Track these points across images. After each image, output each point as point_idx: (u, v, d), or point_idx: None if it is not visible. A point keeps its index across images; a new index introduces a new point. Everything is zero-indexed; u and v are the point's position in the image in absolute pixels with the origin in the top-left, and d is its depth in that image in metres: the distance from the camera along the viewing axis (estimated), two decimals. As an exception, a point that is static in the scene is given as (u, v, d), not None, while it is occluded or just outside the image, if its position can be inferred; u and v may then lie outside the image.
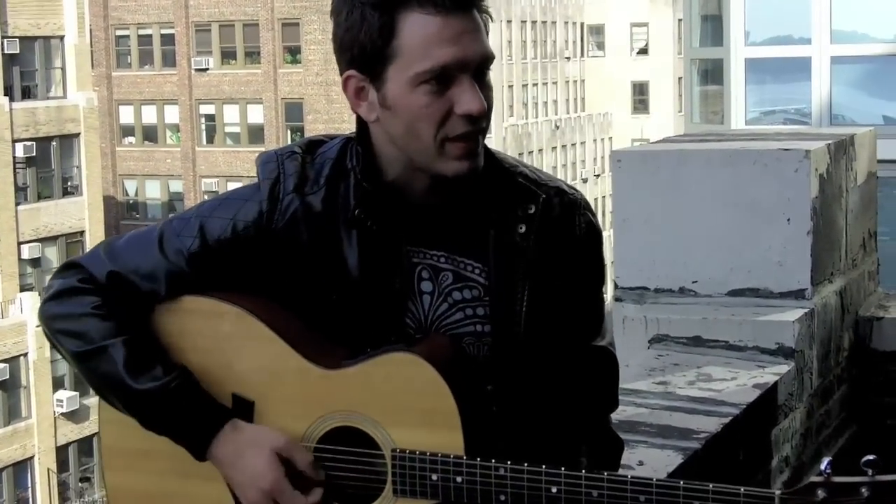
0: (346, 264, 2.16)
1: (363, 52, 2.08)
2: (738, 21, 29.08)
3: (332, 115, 46.60)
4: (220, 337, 2.18)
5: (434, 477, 2.04)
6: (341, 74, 2.14)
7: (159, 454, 2.20)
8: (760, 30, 29.46)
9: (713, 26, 30.80)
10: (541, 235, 2.19)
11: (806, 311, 4.21)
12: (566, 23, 64.71)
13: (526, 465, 2.02)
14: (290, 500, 2.09)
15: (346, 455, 2.11)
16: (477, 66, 2.06)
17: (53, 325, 2.21)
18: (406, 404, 2.07)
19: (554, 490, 2.01)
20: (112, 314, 2.18)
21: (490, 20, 2.12)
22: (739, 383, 3.85)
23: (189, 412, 2.14)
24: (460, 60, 2.04)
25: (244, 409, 2.17)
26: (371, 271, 2.15)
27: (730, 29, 29.14)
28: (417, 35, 2.03)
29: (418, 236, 2.17)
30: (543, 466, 2.02)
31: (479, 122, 2.07)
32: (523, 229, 2.18)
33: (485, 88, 2.08)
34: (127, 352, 2.15)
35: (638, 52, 66.46)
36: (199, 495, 2.19)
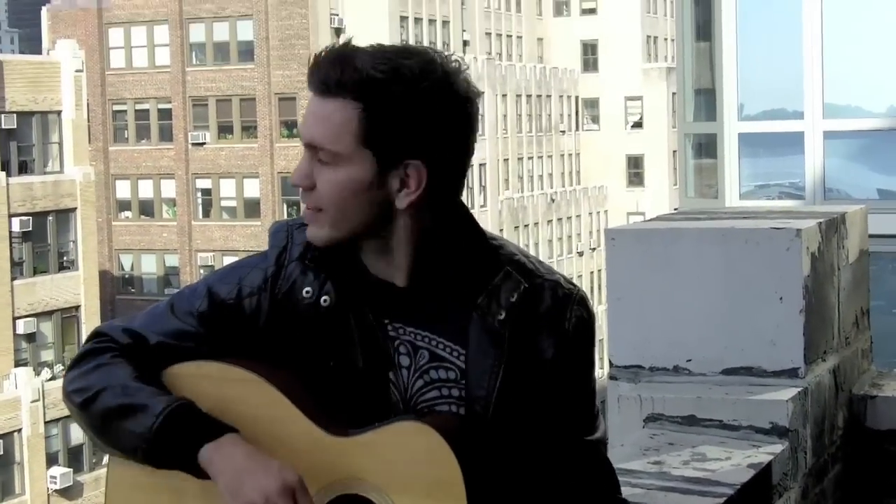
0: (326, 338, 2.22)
1: None
2: (732, 95, 29.27)
3: (329, 189, 46.74)
4: (230, 400, 2.18)
5: None
6: None
7: (165, 488, 2.20)
8: (754, 103, 29.63)
9: (706, 100, 30.99)
10: (523, 325, 2.21)
11: (800, 389, 4.21)
12: (561, 96, 65.14)
13: None
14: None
15: None
16: (307, 146, 2.16)
17: (68, 386, 2.24)
18: (412, 473, 2.08)
19: None
20: (127, 363, 2.21)
21: (380, 115, 2.11)
22: (734, 463, 3.84)
23: (195, 421, 2.14)
24: (301, 134, 2.19)
25: None
26: (352, 344, 2.19)
27: (723, 103, 29.32)
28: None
29: (399, 313, 2.20)
30: None
31: (302, 193, 2.19)
32: (502, 316, 2.20)
33: (321, 171, 2.15)
34: (132, 385, 2.17)
35: (632, 126, 66.86)
36: None
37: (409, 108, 2.10)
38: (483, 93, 2.28)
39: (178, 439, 2.12)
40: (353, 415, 2.17)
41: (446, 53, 2.18)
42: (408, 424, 2.10)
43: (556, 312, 2.24)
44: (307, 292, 2.21)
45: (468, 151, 2.19)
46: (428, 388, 2.21)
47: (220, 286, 2.26)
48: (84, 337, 36.38)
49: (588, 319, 2.29)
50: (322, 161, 2.15)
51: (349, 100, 2.11)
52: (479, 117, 2.22)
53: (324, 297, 2.21)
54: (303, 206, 2.22)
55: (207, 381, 2.21)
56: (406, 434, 2.09)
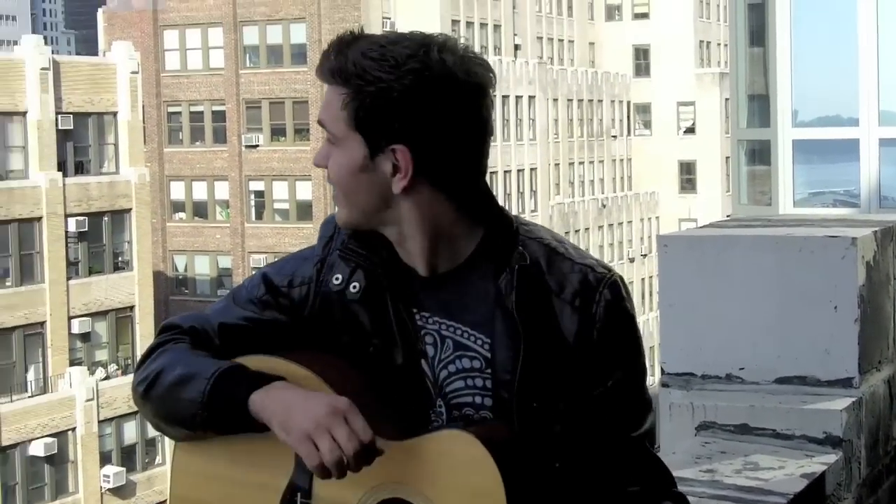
0: (364, 323, 2.26)
1: None
2: (786, 101, 29.10)
3: (380, 192, 46.83)
4: None
5: None
6: None
7: (222, 456, 2.25)
8: (808, 110, 29.46)
9: (760, 106, 30.83)
10: (544, 309, 2.21)
11: (854, 399, 4.19)
12: (613, 101, 64.98)
13: None
14: (354, 420, 2.09)
15: None
16: (321, 126, 2.23)
17: (134, 382, 2.29)
18: (456, 482, 2.09)
19: None
20: (184, 344, 2.29)
21: (358, 90, 2.16)
22: (787, 472, 3.83)
23: (244, 376, 2.19)
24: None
25: (301, 465, 2.20)
26: (381, 331, 2.23)
27: (777, 109, 29.16)
28: None
29: (423, 302, 2.24)
30: None
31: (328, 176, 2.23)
32: (521, 298, 2.20)
33: (331, 149, 2.21)
34: (191, 357, 2.25)
35: (685, 132, 66.57)
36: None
37: (390, 93, 2.14)
38: (493, 87, 2.27)
39: (229, 394, 2.16)
40: (395, 408, 2.21)
41: (456, 40, 2.19)
42: (454, 433, 2.12)
43: (584, 296, 2.21)
44: (337, 279, 2.27)
45: (464, 137, 2.18)
46: (453, 378, 2.22)
47: (275, 275, 2.33)
48: (138, 336, 36.63)
49: (620, 303, 2.23)
50: (330, 142, 2.22)
51: (340, 85, 2.18)
52: (483, 104, 2.19)
53: (353, 284, 2.25)
54: None
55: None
56: (451, 443, 2.11)
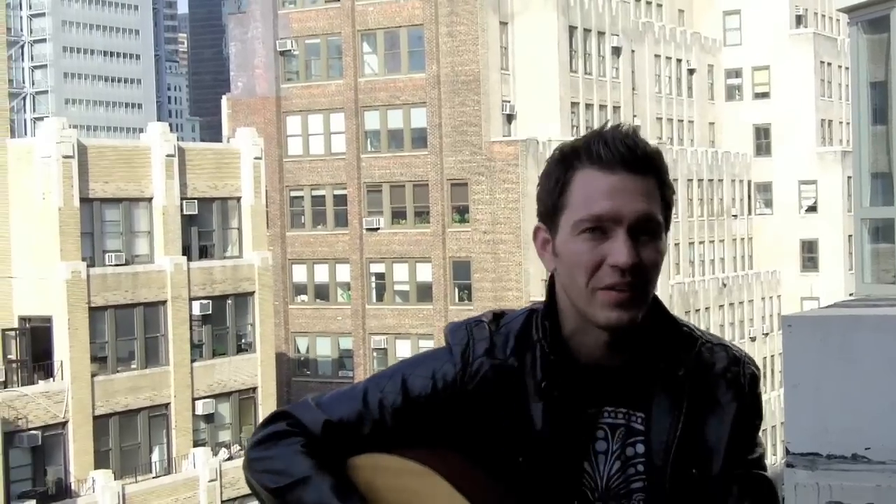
0: (533, 429, 2.27)
1: (545, 205, 2.27)
2: (910, 179, 28.68)
3: (500, 272, 46.98)
4: (410, 492, 2.28)
5: None
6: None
7: None
8: (933, 187, 28.98)
9: (883, 184, 30.42)
10: (701, 381, 2.30)
11: (982, 479, 4.16)
12: (733, 180, 64.53)
13: None
14: None
15: None
16: (635, 223, 2.18)
17: (258, 465, 2.33)
18: None
19: None
20: (317, 454, 2.31)
21: (669, 190, 2.25)
22: (914, 552, 3.81)
23: None
24: (615, 214, 2.18)
25: None
26: (557, 436, 2.26)
27: (901, 187, 28.73)
28: (583, 188, 2.20)
29: (597, 396, 2.27)
30: None
31: (629, 274, 2.17)
32: (682, 372, 2.28)
33: (645, 246, 2.19)
34: (334, 480, 2.27)
35: (807, 210, 65.79)
36: None
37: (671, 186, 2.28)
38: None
39: None
40: None
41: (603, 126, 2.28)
42: None
43: (733, 369, 2.32)
44: (543, 385, 2.27)
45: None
46: (623, 469, 2.27)
47: (414, 380, 2.33)
48: (260, 417, 36.90)
49: (758, 376, 2.37)
50: (641, 236, 2.25)
51: (649, 176, 2.25)
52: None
53: (555, 392, 2.27)
54: None
55: (385, 474, 2.31)
56: None
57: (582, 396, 2.27)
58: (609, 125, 2.25)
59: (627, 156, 2.19)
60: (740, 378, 2.31)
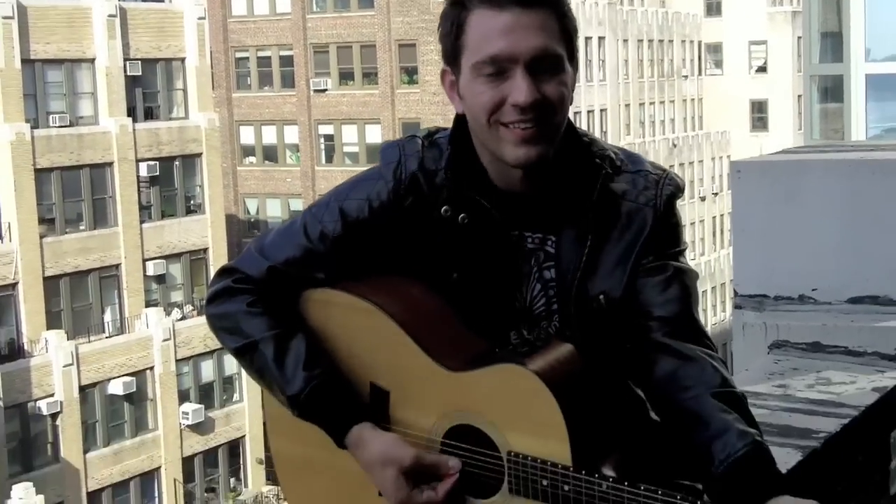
0: (461, 245, 2.31)
1: (446, 48, 2.27)
2: (859, 38, 28.74)
3: (449, 134, 46.79)
4: (359, 329, 2.34)
5: (544, 482, 2.14)
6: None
7: (313, 427, 2.37)
8: (881, 46, 29.07)
9: (833, 43, 30.45)
10: (610, 208, 2.30)
11: (925, 317, 4.25)
12: (683, 41, 64.31)
13: (626, 483, 2.07)
14: None
15: (468, 452, 2.24)
16: (532, 60, 2.17)
17: (215, 323, 2.41)
18: (520, 413, 2.17)
19: None
20: (265, 310, 2.36)
21: (569, 21, 2.23)
22: (859, 387, 3.90)
23: (329, 410, 2.31)
24: (510, 53, 2.17)
25: (381, 398, 2.32)
26: (483, 255, 2.30)
27: (850, 45, 28.80)
28: (477, 29, 2.20)
29: (516, 221, 2.30)
30: (641, 486, 2.06)
31: (531, 111, 2.18)
32: (591, 200, 2.29)
33: (547, 82, 2.19)
34: (276, 347, 2.32)
35: (756, 70, 65.82)
36: (347, 468, 2.35)
37: (571, 12, 2.26)
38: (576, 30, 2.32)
39: (319, 423, 2.33)
40: (476, 326, 2.29)
41: None
42: (512, 367, 2.18)
43: (646, 193, 2.32)
44: (445, 211, 2.31)
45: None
46: (544, 291, 2.31)
47: (350, 203, 2.36)
48: (212, 278, 37.21)
49: (677, 193, 2.34)
50: (547, 72, 2.25)
51: (547, 9, 2.23)
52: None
53: (461, 216, 2.30)
54: None
55: (336, 310, 2.36)
56: (512, 376, 2.17)
57: (502, 219, 2.29)
58: None
59: None
60: (655, 201, 2.31)
